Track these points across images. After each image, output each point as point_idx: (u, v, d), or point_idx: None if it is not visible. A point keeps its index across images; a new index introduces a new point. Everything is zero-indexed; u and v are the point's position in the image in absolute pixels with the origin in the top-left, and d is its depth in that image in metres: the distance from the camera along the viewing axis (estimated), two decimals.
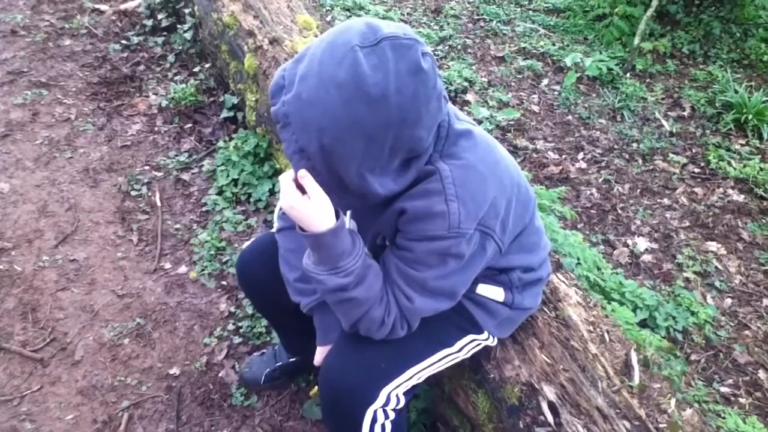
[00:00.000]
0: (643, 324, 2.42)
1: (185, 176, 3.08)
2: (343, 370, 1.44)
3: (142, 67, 3.87)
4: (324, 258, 1.27)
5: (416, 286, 1.31)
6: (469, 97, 4.01)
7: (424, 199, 1.24)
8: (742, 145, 3.88)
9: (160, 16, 4.15)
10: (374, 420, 1.40)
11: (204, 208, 2.90)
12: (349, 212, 1.45)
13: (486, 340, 1.57)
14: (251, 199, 2.94)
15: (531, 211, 1.48)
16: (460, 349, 1.54)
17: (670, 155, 3.75)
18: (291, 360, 2.11)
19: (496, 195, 1.28)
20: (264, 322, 2.34)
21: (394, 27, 1.11)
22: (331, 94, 1.06)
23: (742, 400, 2.33)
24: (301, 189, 1.22)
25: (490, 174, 1.28)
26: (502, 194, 1.30)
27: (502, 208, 1.30)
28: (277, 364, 2.11)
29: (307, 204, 1.21)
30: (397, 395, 1.43)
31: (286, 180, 1.25)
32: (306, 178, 1.19)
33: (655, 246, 3.08)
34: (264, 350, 2.20)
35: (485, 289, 1.53)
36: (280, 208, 1.45)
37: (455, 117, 1.33)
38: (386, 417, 1.42)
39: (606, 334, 1.70)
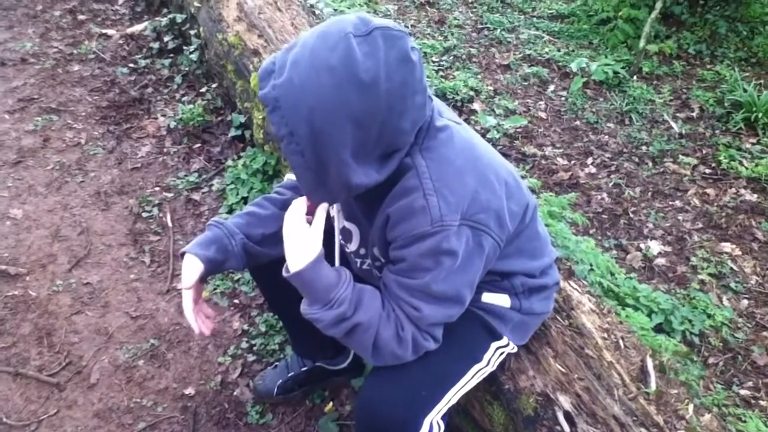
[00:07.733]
0: (658, 328, 2.40)
1: (195, 196, 3.10)
2: (383, 402, 1.37)
3: (150, 90, 3.91)
4: (314, 297, 1.31)
5: (420, 295, 1.30)
6: (476, 106, 4.01)
7: (404, 198, 1.26)
8: (753, 143, 3.84)
9: (166, 39, 4.20)
10: None
11: None
12: (342, 217, 1.51)
13: (506, 346, 1.56)
14: None
15: (529, 213, 1.46)
16: (488, 362, 1.52)
17: (681, 157, 3.72)
18: (303, 369, 2.11)
19: (478, 188, 1.28)
20: (277, 339, 2.35)
21: (385, 20, 1.16)
22: (322, 78, 1.10)
23: (762, 403, 2.30)
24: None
25: (470, 167, 1.29)
26: (486, 188, 1.29)
27: (490, 202, 1.29)
28: (290, 375, 2.11)
29: (304, 232, 1.30)
30: (438, 422, 1.39)
31: (299, 206, 1.34)
32: (321, 210, 1.32)
33: (668, 249, 3.05)
34: (276, 363, 2.20)
35: (490, 297, 1.52)
36: None
37: (438, 114, 1.35)
38: None
39: (621, 341, 1.69)
